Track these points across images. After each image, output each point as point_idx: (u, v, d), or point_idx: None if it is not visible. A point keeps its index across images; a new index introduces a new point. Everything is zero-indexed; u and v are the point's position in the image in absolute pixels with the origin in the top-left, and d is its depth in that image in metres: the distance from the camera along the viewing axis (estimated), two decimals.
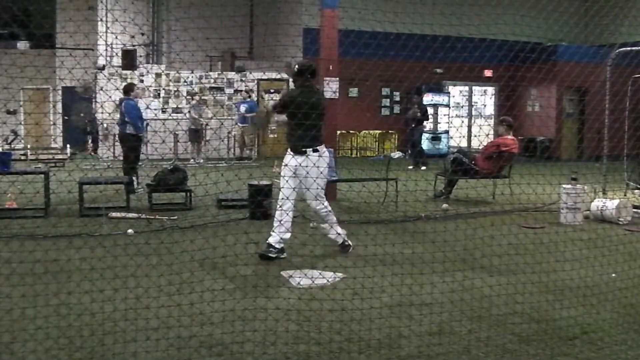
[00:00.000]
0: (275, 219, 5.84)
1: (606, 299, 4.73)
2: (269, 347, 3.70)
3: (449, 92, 19.81)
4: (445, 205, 9.11)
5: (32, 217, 7.81)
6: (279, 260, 5.76)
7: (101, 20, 14.47)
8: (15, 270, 4.87)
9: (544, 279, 5.05)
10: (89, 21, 16.00)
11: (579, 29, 18.64)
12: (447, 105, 19.57)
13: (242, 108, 16.44)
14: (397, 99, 19.83)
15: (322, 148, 5.92)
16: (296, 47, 18.09)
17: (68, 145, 17.62)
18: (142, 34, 18.47)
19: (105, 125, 16.88)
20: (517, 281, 4.96)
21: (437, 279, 4.78)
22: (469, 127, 19.94)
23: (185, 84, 17.79)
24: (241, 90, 17.67)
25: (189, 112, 16.49)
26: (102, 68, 16.95)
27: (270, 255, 5.74)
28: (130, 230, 7.02)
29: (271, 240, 5.79)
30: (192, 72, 17.44)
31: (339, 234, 6.12)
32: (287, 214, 5.80)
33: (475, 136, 18.26)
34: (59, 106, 20.16)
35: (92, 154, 18.06)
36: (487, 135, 14.00)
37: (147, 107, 15.08)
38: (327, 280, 5.13)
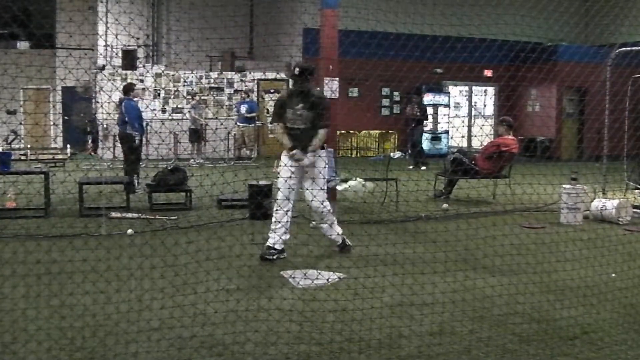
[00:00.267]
0: (273, 220, 5.83)
1: (606, 299, 4.73)
2: (269, 347, 3.70)
3: (449, 92, 19.81)
4: (445, 205, 9.11)
5: (32, 217, 7.81)
6: (279, 261, 5.77)
7: (101, 20, 14.49)
8: (16, 271, 4.87)
9: (544, 279, 5.05)
10: (89, 21, 16.01)
11: (579, 29, 18.64)
12: (447, 105, 19.57)
13: (243, 108, 16.43)
14: (397, 99, 19.83)
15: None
16: (296, 47, 18.08)
17: (68, 145, 17.62)
18: (140, 37, 18.46)
19: (105, 125, 16.88)
20: (518, 281, 4.97)
21: (437, 279, 4.79)
22: (469, 127, 19.94)
23: (185, 84, 17.79)
24: (241, 91, 17.67)
25: (189, 112, 16.49)
26: (102, 68, 16.95)
27: (271, 258, 5.75)
28: (130, 231, 7.02)
29: (271, 241, 5.79)
30: (192, 72, 17.44)
31: (338, 234, 6.12)
32: (287, 215, 5.80)
33: (475, 136, 18.27)
34: (59, 106, 20.16)
35: (92, 154, 18.06)
36: (487, 135, 14.01)
37: (147, 107, 15.11)
38: (328, 281, 5.13)
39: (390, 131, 19.22)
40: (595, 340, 3.93)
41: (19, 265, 5.11)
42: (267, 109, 18.87)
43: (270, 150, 18.27)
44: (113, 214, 7.95)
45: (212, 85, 18.22)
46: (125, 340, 3.72)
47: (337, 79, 9.62)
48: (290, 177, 5.74)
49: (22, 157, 14.54)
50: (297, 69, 5.85)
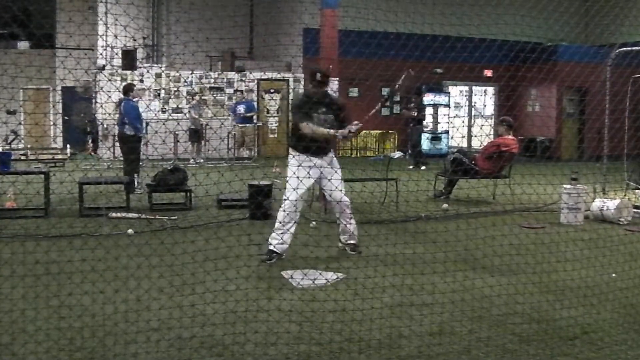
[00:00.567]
0: (279, 221, 5.80)
1: (606, 299, 4.72)
2: (269, 347, 3.70)
3: (449, 92, 19.81)
4: (445, 205, 9.11)
5: (32, 217, 7.80)
6: (279, 261, 5.77)
7: (101, 20, 14.48)
8: (15, 271, 4.87)
9: (544, 279, 5.05)
10: (89, 21, 16.01)
11: (579, 29, 18.64)
12: (447, 105, 19.57)
13: (241, 109, 16.40)
14: (397, 99, 19.83)
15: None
16: (296, 47, 18.08)
17: (68, 145, 17.62)
18: (140, 37, 18.46)
19: (105, 125, 16.88)
20: (518, 281, 4.96)
21: (437, 279, 4.78)
22: (469, 127, 19.94)
23: (185, 84, 17.78)
24: (241, 91, 17.67)
25: (189, 112, 16.49)
26: (102, 68, 16.95)
27: (272, 261, 5.76)
28: (130, 231, 7.02)
29: (274, 242, 5.79)
30: (192, 72, 17.44)
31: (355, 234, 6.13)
32: (295, 217, 5.81)
33: (475, 136, 18.27)
34: (59, 106, 20.16)
35: (92, 154, 18.05)
36: (487, 135, 14.00)
37: (147, 108, 15.10)
38: (328, 281, 5.13)
39: (390, 131, 19.22)
40: (595, 340, 3.93)
41: (18, 265, 5.11)
42: (267, 109, 18.88)
43: (271, 150, 18.29)
44: (113, 214, 7.95)
45: (212, 85, 18.21)
46: (124, 341, 3.72)
47: (337, 78, 9.63)
48: (307, 178, 5.68)
49: (22, 157, 14.54)
50: (319, 75, 5.89)
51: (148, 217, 7.97)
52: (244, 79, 18.22)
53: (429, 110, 18.56)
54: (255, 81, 18.48)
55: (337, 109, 6.01)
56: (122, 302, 4.28)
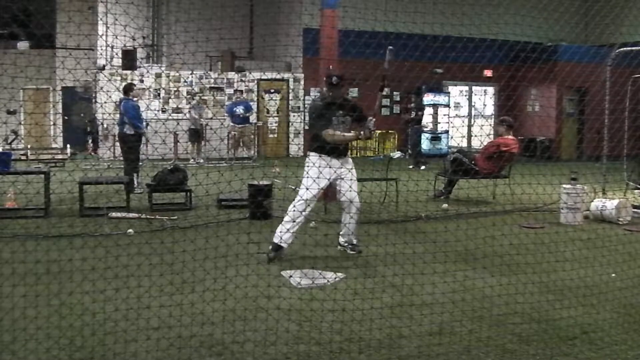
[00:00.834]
0: (288, 219, 5.82)
1: (606, 299, 4.73)
2: (269, 347, 3.70)
3: (449, 92, 19.80)
4: (445, 205, 9.11)
5: (32, 217, 7.81)
6: (279, 261, 5.77)
7: (101, 20, 14.49)
8: (15, 271, 4.87)
9: (544, 279, 5.05)
10: (89, 21, 16.01)
11: (579, 29, 18.65)
12: (447, 105, 19.57)
13: (239, 109, 16.37)
14: (397, 99, 19.84)
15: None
16: (296, 47, 18.08)
17: (68, 145, 17.62)
18: (140, 37, 18.46)
19: (105, 125, 16.88)
20: (518, 281, 4.96)
21: (437, 279, 4.78)
22: (469, 127, 19.94)
23: (185, 84, 17.78)
24: (241, 91, 17.66)
25: (189, 112, 16.48)
26: (102, 68, 16.95)
27: (279, 252, 5.82)
28: (130, 230, 7.02)
29: (283, 237, 5.82)
30: (192, 72, 17.44)
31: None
32: (303, 217, 5.86)
33: (475, 136, 18.27)
34: (59, 106, 20.16)
35: (92, 154, 18.06)
36: (488, 135, 14.00)
37: (147, 107, 15.10)
38: (327, 281, 5.13)
39: (390, 131, 19.21)
40: (595, 340, 3.93)
41: (18, 265, 5.11)
42: (267, 109, 18.88)
43: (270, 150, 18.29)
44: (113, 214, 7.95)
45: (212, 85, 18.21)
46: (124, 340, 3.72)
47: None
48: (324, 179, 5.74)
49: (22, 157, 14.55)
50: (334, 78, 5.95)
51: (148, 217, 7.97)
52: (243, 79, 18.21)
53: (428, 110, 18.55)
54: (255, 81, 18.48)
55: (353, 111, 6.10)
56: (122, 302, 4.29)
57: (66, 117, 19.80)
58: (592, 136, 16.56)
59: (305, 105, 18.39)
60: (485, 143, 10.57)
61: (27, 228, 7.15)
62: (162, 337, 3.75)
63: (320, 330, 3.97)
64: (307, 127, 16.78)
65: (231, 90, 18.17)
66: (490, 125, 18.36)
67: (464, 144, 18.70)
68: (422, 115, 16.54)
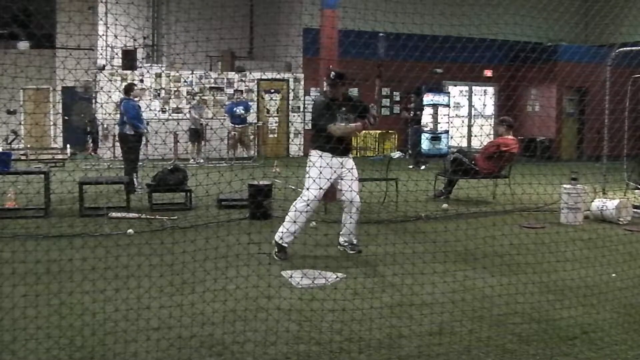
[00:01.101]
0: (289, 219, 5.82)
1: (606, 299, 4.73)
2: (269, 347, 3.70)
3: (449, 92, 19.80)
4: (445, 205, 9.11)
5: (32, 217, 7.80)
6: (279, 260, 5.77)
7: (101, 20, 14.49)
8: (16, 271, 4.87)
9: (544, 279, 5.05)
10: (89, 21, 16.02)
11: (579, 29, 18.65)
12: (447, 105, 19.57)
13: (241, 109, 16.36)
14: (397, 99, 19.84)
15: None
16: (296, 47, 18.08)
17: (68, 145, 17.63)
18: (140, 37, 18.45)
19: (105, 125, 16.88)
20: (518, 281, 4.97)
21: (437, 279, 4.78)
22: (469, 127, 19.94)
23: (185, 84, 17.78)
24: (241, 91, 17.66)
25: (189, 112, 16.47)
26: (102, 68, 16.95)
27: (285, 257, 5.84)
28: (130, 230, 7.02)
29: (287, 240, 5.84)
30: (192, 72, 17.43)
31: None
32: (306, 218, 5.87)
33: (475, 136, 18.27)
34: (59, 106, 20.16)
35: (92, 154, 18.06)
36: (487, 135, 14.01)
37: (147, 107, 15.09)
38: (328, 280, 5.13)
39: (390, 131, 19.22)
40: (595, 340, 3.93)
41: (18, 264, 5.11)
42: (267, 109, 18.87)
43: (270, 150, 18.29)
44: (113, 214, 7.95)
45: (212, 85, 18.21)
46: (124, 340, 3.72)
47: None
48: (327, 178, 5.75)
49: (22, 157, 14.55)
50: (332, 74, 5.98)
51: (148, 217, 7.97)
52: (244, 79, 18.21)
53: (429, 110, 18.55)
54: (255, 81, 18.47)
55: (356, 107, 6.10)
56: (122, 302, 4.29)
57: (66, 117, 19.80)
58: (592, 136, 16.57)
59: (306, 105, 18.39)
60: (485, 143, 10.57)
61: (27, 228, 7.14)
62: (162, 338, 3.75)
63: (320, 330, 3.97)
64: (307, 127, 16.76)
65: (231, 90, 18.16)
66: (490, 125, 18.36)
67: (464, 144, 18.70)
68: (421, 115, 16.53)
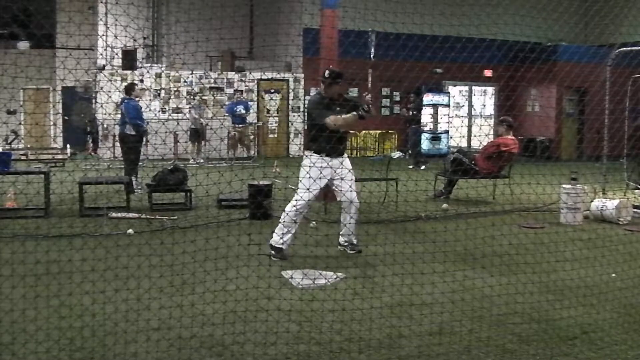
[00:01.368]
0: (291, 219, 5.84)
1: (606, 299, 4.73)
2: (269, 347, 3.70)
3: (449, 92, 19.80)
4: (445, 205, 9.11)
5: (32, 217, 7.80)
6: (279, 261, 5.77)
7: (101, 20, 14.49)
8: (15, 271, 4.87)
9: (544, 279, 5.05)
10: (89, 21, 16.01)
11: (579, 29, 18.65)
12: (447, 105, 19.56)
13: (241, 109, 16.35)
14: (397, 99, 19.84)
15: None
16: (296, 47, 18.07)
17: (68, 145, 17.62)
18: (140, 38, 18.45)
19: (105, 125, 16.88)
20: (517, 281, 4.97)
21: (437, 279, 4.79)
22: (469, 127, 19.94)
23: (185, 84, 17.78)
24: (241, 91, 17.66)
25: (189, 112, 16.47)
26: (102, 68, 16.95)
27: (284, 258, 5.84)
28: (130, 231, 7.02)
29: (286, 240, 5.85)
30: (192, 72, 17.43)
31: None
32: (301, 216, 5.91)
33: (475, 136, 18.27)
34: (59, 106, 20.15)
35: (92, 154, 18.05)
36: (487, 135, 14.01)
37: (147, 107, 15.09)
38: (328, 281, 5.13)
39: (390, 131, 19.22)
40: (595, 340, 3.93)
41: (18, 265, 5.11)
42: (267, 109, 18.87)
43: (270, 150, 18.29)
44: (113, 214, 7.95)
45: (212, 85, 18.21)
46: (124, 340, 3.72)
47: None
48: (322, 178, 5.76)
49: (22, 157, 14.54)
50: (326, 72, 6.02)
51: (148, 217, 7.97)
52: (243, 79, 18.21)
53: (429, 110, 18.55)
54: (255, 81, 18.47)
55: (350, 106, 6.09)
56: (122, 302, 4.29)
57: (66, 117, 19.79)
58: (592, 136, 16.57)
59: (306, 105, 18.38)
60: (485, 143, 10.57)
61: (27, 228, 7.15)
62: (162, 338, 3.75)
63: (320, 330, 3.97)
64: (306, 127, 16.79)
65: (231, 90, 18.16)
66: (490, 125, 18.36)
67: (464, 144, 18.70)
68: (420, 115, 16.53)
